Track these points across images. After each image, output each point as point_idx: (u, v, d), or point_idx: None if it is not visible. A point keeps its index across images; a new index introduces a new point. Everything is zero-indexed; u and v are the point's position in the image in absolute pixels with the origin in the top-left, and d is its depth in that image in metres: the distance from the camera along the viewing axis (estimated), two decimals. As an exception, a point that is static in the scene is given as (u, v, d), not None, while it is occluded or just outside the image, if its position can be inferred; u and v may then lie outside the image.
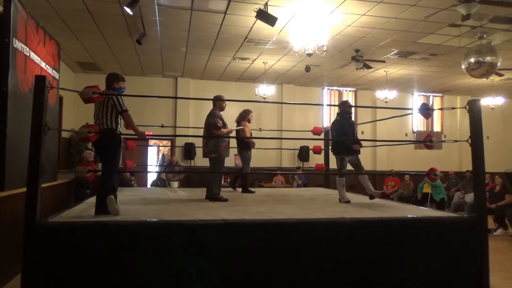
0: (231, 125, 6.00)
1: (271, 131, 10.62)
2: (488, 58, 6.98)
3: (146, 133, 4.14)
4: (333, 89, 12.86)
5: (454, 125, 13.58)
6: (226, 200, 5.11)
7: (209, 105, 5.50)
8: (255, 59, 9.47)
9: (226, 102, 5.48)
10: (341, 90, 12.92)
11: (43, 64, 5.66)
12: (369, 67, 9.19)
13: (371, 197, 5.10)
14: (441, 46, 8.12)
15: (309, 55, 6.89)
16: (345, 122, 5.25)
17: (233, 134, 6.25)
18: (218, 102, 5.36)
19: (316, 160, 8.45)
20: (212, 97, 5.34)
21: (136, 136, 3.97)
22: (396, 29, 7.21)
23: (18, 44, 4.69)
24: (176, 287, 3.25)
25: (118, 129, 3.85)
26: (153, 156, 12.65)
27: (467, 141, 3.94)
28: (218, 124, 5.23)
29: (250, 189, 6.65)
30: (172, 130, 10.98)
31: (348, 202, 5.06)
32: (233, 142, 5.78)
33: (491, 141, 12.45)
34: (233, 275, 3.31)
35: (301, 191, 7.64)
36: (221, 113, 5.43)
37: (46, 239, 3.09)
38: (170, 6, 6.38)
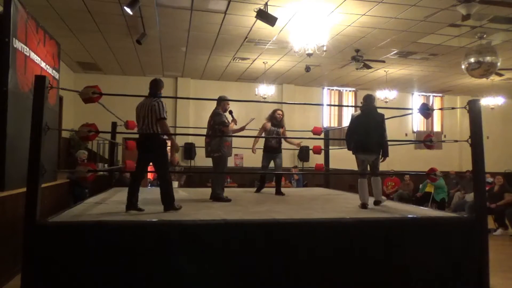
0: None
1: (271, 131, 10.58)
2: (488, 58, 6.98)
3: None
4: (333, 89, 12.85)
5: (454, 125, 13.57)
6: (229, 200, 5.06)
7: (209, 105, 5.50)
8: (255, 59, 9.47)
9: (229, 103, 5.47)
10: (341, 90, 12.92)
11: (43, 64, 5.65)
12: (369, 67, 9.19)
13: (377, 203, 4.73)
14: (441, 46, 8.12)
15: (309, 55, 6.89)
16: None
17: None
18: (222, 102, 5.34)
19: (316, 160, 8.46)
20: (213, 97, 5.33)
21: (136, 136, 3.99)
22: (396, 29, 7.20)
23: (18, 44, 4.69)
24: (176, 287, 3.25)
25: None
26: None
27: (467, 141, 3.94)
28: (226, 122, 5.21)
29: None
30: (172, 130, 10.93)
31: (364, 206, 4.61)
32: (235, 142, 5.72)
33: (491, 141, 12.42)
34: (233, 275, 3.31)
35: (301, 191, 7.63)
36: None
37: (46, 239, 3.09)
38: (170, 6, 6.37)
